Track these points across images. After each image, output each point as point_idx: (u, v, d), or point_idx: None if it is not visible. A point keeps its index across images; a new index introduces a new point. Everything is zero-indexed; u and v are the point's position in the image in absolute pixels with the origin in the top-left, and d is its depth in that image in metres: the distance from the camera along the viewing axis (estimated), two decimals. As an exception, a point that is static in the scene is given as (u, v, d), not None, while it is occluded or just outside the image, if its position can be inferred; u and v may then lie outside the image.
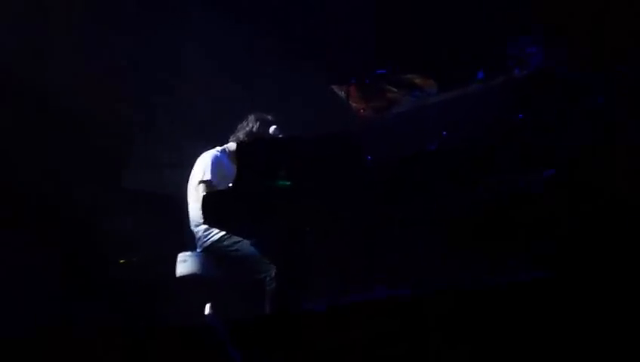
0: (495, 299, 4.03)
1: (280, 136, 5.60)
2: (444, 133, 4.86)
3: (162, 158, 6.88)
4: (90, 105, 6.19)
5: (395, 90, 5.33)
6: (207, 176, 5.56)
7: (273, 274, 5.24)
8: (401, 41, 6.36)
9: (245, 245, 5.41)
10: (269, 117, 5.70)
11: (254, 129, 5.67)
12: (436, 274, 4.74)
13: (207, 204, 5.01)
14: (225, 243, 5.51)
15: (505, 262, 4.66)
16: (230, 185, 5.06)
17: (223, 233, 5.49)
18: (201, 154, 5.76)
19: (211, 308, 5.36)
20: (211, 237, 5.57)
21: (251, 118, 5.72)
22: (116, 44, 6.54)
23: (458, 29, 6.27)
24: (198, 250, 5.63)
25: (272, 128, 5.64)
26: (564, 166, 4.78)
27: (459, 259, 4.75)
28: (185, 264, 5.58)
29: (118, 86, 6.40)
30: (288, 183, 4.71)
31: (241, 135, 5.70)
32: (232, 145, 5.76)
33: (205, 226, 5.48)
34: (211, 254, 5.56)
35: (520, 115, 4.77)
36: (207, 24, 6.68)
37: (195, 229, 5.65)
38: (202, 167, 5.62)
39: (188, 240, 5.70)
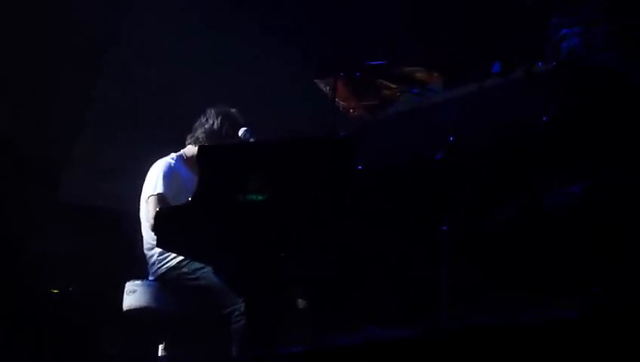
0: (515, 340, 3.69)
1: (252, 140, 5.37)
2: (451, 138, 4.54)
3: (105, 163, 6.73)
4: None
5: (392, 85, 5.11)
6: (160, 189, 5.31)
7: (242, 308, 5.03)
8: (399, 26, 6.27)
9: (208, 273, 5.19)
10: (234, 111, 5.49)
11: (215, 126, 5.44)
12: (442, 313, 4.39)
13: (160, 222, 4.84)
14: (183, 270, 5.28)
15: (529, 300, 4.44)
16: (189, 199, 4.80)
17: (182, 258, 5.27)
18: (156, 159, 5.54)
19: (165, 349, 5.23)
20: (167, 262, 5.33)
21: (211, 112, 5.49)
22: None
23: (468, 11, 6.10)
24: (151, 278, 5.40)
25: (241, 131, 5.37)
26: (601, 180, 4.56)
27: (472, 295, 4.57)
28: (134, 295, 5.33)
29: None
30: (261, 197, 4.56)
31: (200, 135, 5.49)
32: (189, 150, 5.53)
33: (160, 250, 5.26)
34: (167, 283, 5.33)
35: (544, 118, 4.51)
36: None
37: (147, 253, 5.41)
38: (154, 178, 5.39)
39: (139, 266, 5.47)
